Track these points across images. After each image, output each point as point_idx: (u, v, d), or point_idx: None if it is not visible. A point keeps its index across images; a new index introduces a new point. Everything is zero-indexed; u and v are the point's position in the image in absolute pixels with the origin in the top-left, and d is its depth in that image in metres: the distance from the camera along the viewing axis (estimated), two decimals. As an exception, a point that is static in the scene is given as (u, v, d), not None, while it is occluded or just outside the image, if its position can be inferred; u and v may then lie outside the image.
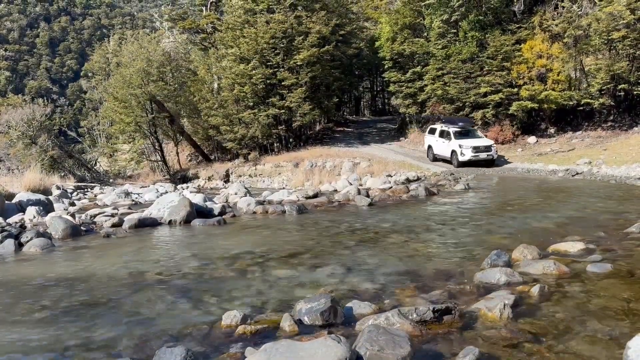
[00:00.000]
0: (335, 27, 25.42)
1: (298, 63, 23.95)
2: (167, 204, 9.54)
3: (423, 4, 23.82)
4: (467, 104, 22.82)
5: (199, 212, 9.55)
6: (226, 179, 24.98)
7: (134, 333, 3.52)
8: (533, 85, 20.44)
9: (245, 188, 14.88)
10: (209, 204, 10.53)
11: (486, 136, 20.41)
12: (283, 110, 24.60)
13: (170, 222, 9.06)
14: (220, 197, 13.90)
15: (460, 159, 18.65)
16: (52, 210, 11.17)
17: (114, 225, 8.91)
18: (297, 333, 3.29)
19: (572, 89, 20.54)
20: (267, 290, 4.51)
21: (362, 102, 42.91)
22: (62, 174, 26.59)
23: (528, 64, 20.77)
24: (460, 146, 18.73)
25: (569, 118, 21.38)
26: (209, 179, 25.75)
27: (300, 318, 3.50)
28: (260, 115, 24.48)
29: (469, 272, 4.77)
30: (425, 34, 24.98)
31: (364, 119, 37.93)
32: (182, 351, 2.91)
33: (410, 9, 25.09)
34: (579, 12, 19.69)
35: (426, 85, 24.10)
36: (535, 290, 3.94)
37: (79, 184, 23.83)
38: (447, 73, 23.05)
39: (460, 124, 20.19)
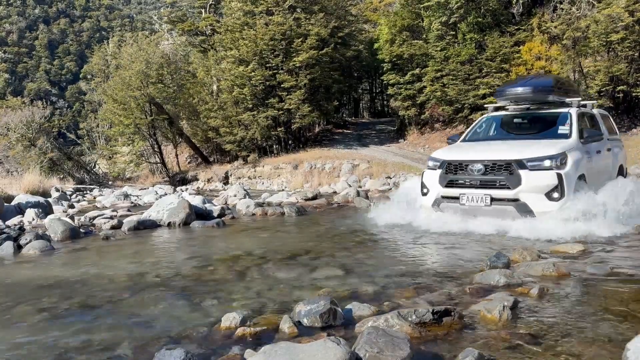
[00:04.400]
0: (334, 29, 25.47)
1: (297, 65, 23.99)
2: (166, 206, 9.55)
3: (422, 5, 23.87)
4: (465, 105, 22.85)
5: (198, 214, 9.57)
6: (225, 180, 24.99)
7: (132, 335, 3.51)
8: (532, 87, 20.46)
9: (245, 190, 14.89)
10: (208, 206, 10.54)
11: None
12: (282, 112, 24.64)
13: (169, 224, 9.07)
14: (220, 199, 13.92)
15: (422, 201, 7.84)
16: (51, 212, 11.17)
17: (113, 227, 8.92)
18: (297, 335, 3.29)
19: (571, 90, 20.56)
20: (266, 292, 4.50)
21: (361, 104, 42.96)
22: (61, 176, 26.64)
23: (527, 65, 20.81)
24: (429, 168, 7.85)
25: (567, 119, 21.39)
26: (208, 181, 25.76)
27: (299, 320, 3.49)
28: (260, 117, 24.50)
29: (468, 273, 4.78)
30: (424, 36, 25.02)
31: (363, 120, 37.97)
32: (181, 353, 2.90)
33: (409, 11, 25.16)
34: (578, 14, 19.74)
35: (425, 87, 24.14)
36: (534, 291, 3.94)
37: (78, 186, 23.85)
38: (446, 75, 23.09)
39: (517, 89, 8.22)
